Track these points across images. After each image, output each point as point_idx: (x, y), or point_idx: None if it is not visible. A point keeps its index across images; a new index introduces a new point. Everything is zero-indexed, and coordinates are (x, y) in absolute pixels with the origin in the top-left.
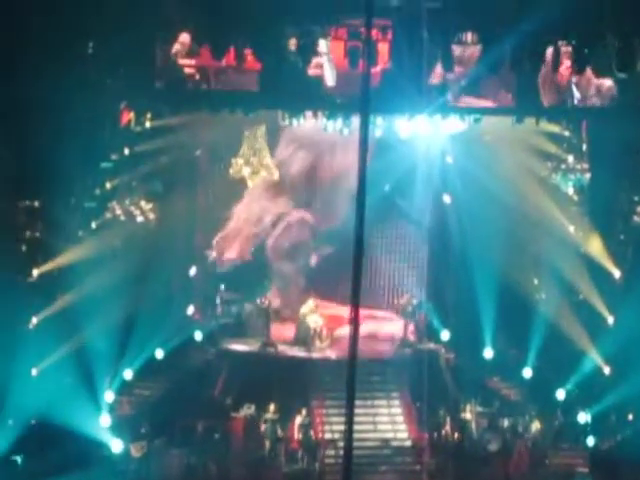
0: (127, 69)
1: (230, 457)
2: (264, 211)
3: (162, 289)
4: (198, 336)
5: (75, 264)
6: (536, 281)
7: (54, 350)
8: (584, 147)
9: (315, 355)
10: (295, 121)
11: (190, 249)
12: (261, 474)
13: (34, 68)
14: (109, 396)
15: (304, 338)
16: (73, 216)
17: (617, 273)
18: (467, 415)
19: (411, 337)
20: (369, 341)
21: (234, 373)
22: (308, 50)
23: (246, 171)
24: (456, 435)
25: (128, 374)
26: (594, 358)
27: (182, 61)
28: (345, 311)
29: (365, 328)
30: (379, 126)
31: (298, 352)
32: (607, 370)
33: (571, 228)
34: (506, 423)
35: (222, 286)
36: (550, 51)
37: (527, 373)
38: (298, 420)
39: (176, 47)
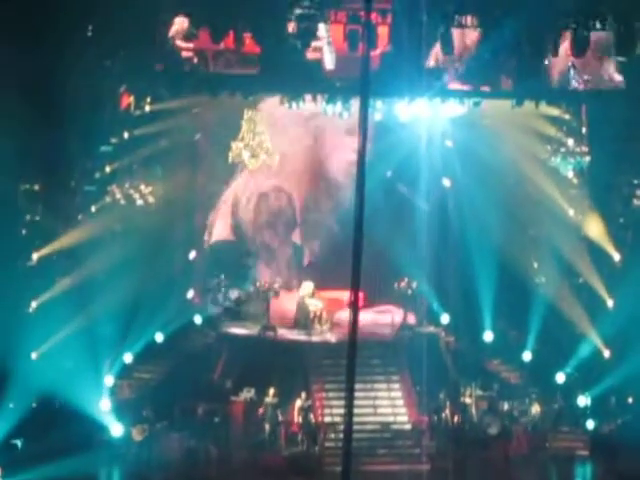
0: (126, 52)
1: (230, 440)
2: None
3: (162, 273)
4: (198, 320)
5: (75, 248)
6: (536, 264)
7: (54, 334)
8: (584, 130)
9: (315, 338)
10: (294, 104)
11: (189, 233)
12: (261, 457)
13: (33, 52)
14: (109, 380)
15: (304, 321)
16: (73, 200)
17: (617, 256)
18: (467, 398)
19: (411, 321)
20: (369, 325)
21: (234, 357)
22: (307, 33)
23: (246, 155)
24: (456, 418)
25: (128, 358)
26: (594, 341)
27: (181, 44)
28: (345, 294)
29: (365, 315)
30: (379, 109)
31: (298, 336)
32: (607, 353)
33: (571, 211)
34: (506, 406)
35: (222, 275)
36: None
37: (527, 356)
38: (298, 403)
39: (175, 30)
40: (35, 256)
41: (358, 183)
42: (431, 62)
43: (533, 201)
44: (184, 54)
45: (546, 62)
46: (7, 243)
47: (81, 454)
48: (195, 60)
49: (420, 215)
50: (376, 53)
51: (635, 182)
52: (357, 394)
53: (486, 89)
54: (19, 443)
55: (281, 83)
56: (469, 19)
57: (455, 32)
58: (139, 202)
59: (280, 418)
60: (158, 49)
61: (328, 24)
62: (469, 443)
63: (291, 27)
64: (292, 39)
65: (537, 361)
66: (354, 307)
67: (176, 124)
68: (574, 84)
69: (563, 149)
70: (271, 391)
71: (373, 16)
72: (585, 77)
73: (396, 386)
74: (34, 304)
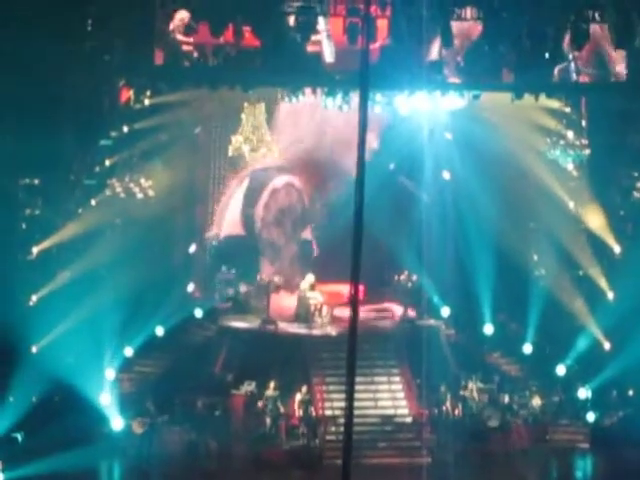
0: (126, 46)
1: (231, 434)
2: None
3: (162, 266)
4: (198, 313)
5: (75, 241)
6: (536, 257)
7: (54, 328)
8: (583, 123)
9: (315, 332)
10: (294, 98)
11: (190, 226)
12: (262, 451)
13: (33, 46)
14: (110, 373)
15: (304, 315)
16: (72, 194)
17: (617, 248)
18: (467, 391)
19: (411, 314)
20: (369, 318)
21: (234, 350)
22: (307, 27)
23: (245, 148)
24: (456, 411)
25: (129, 351)
26: (594, 333)
27: (180, 38)
28: (345, 288)
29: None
30: (378, 102)
31: (298, 329)
32: (607, 345)
33: (571, 204)
34: (506, 399)
35: (223, 268)
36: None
37: (527, 349)
38: (298, 397)
39: (174, 24)
40: (35, 250)
41: (358, 178)
42: (431, 55)
43: (533, 194)
44: (184, 48)
45: (547, 55)
46: (7, 237)
47: (82, 448)
48: (195, 54)
49: (420, 208)
50: (375, 46)
51: (635, 174)
52: (357, 387)
53: (486, 82)
54: (19, 437)
55: (281, 76)
56: (469, 11)
57: (455, 25)
58: (139, 196)
59: (281, 411)
60: (158, 43)
61: (327, 17)
62: (469, 436)
63: (291, 20)
64: (292, 32)
65: (537, 354)
66: (354, 300)
67: (176, 118)
68: (574, 77)
69: (563, 142)
70: (272, 384)
71: (372, 9)
72: (585, 70)
73: (396, 379)
74: (34, 298)
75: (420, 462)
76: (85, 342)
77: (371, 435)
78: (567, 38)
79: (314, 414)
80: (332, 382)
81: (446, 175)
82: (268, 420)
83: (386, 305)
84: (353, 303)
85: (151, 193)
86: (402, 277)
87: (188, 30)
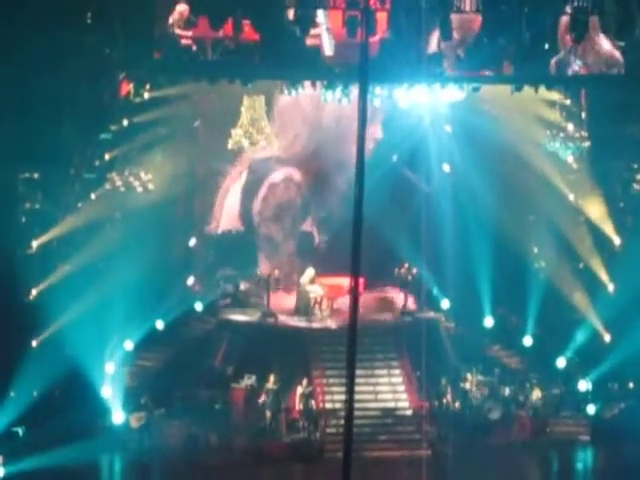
0: (126, 40)
1: (231, 427)
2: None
3: (162, 260)
4: (198, 307)
5: (75, 235)
6: (536, 249)
7: (54, 322)
8: (583, 115)
9: (315, 325)
10: (294, 91)
11: (189, 220)
12: (262, 444)
13: (33, 39)
14: (110, 367)
15: (304, 308)
16: (72, 187)
17: (617, 240)
18: (468, 384)
19: (411, 306)
20: (369, 311)
21: (234, 343)
22: (306, 20)
23: (245, 142)
24: (457, 404)
25: (129, 345)
26: (594, 325)
27: (180, 32)
28: (345, 281)
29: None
30: (378, 95)
31: (298, 322)
32: (607, 337)
33: (571, 196)
34: (507, 392)
35: (223, 267)
36: None
37: (527, 341)
38: (299, 390)
39: (174, 18)
40: (35, 244)
41: (358, 170)
42: (430, 48)
43: (533, 186)
44: (183, 41)
45: (546, 47)
46: (7, 231)
47: (82, 442)
48: (194, 47)
49: (420, 201)
50: (375, 39)
51: (635, 166)
52: (358, 380)
53: (485, 74)
54: (20, 431)
55: (280, 70)
56: (468, 4)
57: (454, 17)
58: (139, 189)
59: (281, 405)
60: (157, 37)
61: (327, 10)
62: (470, 428)
63: (290, 14)
64: (291, 26)
65: (538, 346)
66: (354, 293)
67: (175, 111)
68: (570, 68)
69: (562, 134)
70: (272, 378)
71: (372, 2)
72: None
73: (397, 372)
74: (34, 292)
75: (420, 455)
76: (85, 336)
77: (372, 428)
78: (562, 29)
79: (314, 407)
80: (332, 375)
81: (446, 167)
82: (268, 413)
83: (388, 288)
84: (353, 296)
85: (151, 187)
86: (402, 270)
87: (187, 24)
